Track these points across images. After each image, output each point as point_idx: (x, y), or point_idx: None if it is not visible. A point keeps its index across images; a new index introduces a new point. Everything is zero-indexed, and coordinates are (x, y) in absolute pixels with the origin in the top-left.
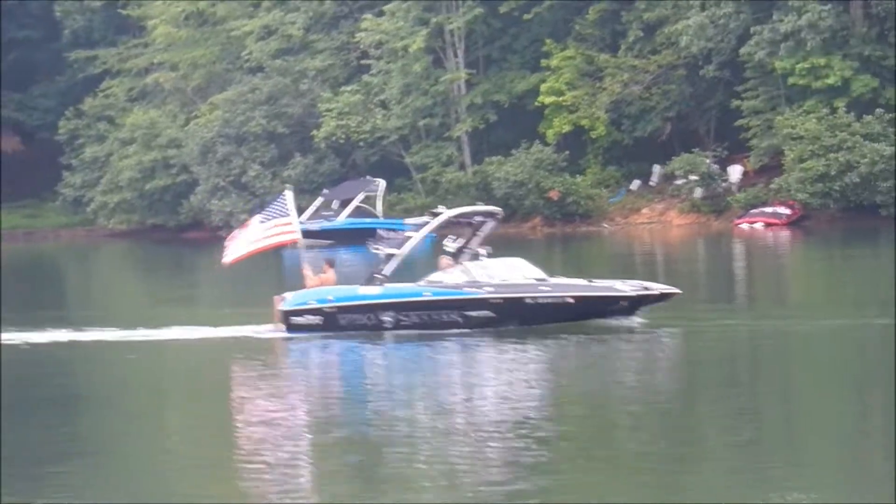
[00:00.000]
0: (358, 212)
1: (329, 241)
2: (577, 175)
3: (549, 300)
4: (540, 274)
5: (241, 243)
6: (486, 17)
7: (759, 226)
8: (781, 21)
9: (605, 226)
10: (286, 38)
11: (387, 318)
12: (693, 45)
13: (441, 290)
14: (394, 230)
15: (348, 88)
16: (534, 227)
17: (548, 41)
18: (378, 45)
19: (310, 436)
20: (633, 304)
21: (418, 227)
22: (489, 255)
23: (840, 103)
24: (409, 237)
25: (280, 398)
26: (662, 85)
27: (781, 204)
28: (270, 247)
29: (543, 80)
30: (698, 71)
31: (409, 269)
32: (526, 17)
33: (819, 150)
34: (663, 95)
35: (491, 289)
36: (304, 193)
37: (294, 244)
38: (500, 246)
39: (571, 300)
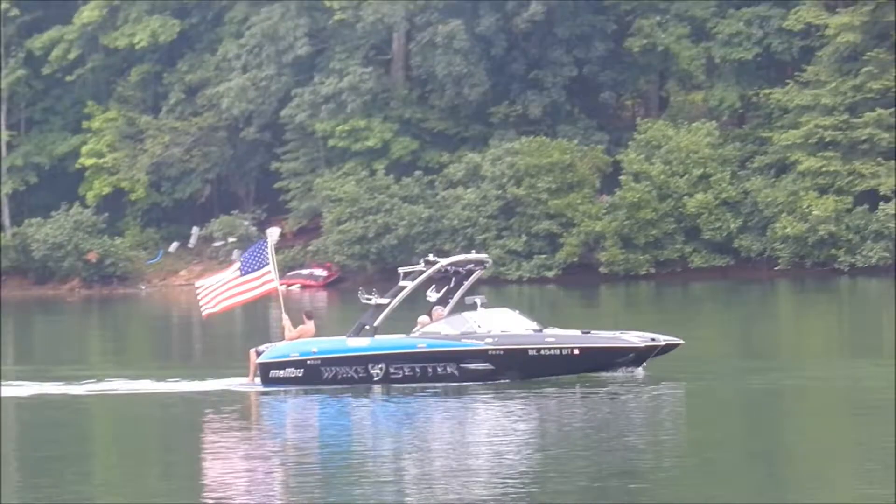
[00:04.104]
0: None
1: None
2: (117, 237)
3: (555, 352)
4: (534, 325)
5: (220, 294)
6: (29, 78)
7: (296, 287)
8: (323, 83)
9: (143, 287)
10: None
11: (376, 370)
12: (234, 106)
13: (437, 341)
14: None
15: None
16: (72, 288)
17: (90, 103)
18: None
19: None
20: (639, 356)
21: (414, 275)
22: (483, 305)
23: (379, 165)
24: (403, 287)
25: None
26: (203, 147)
27: (319, 266)
28: (253, 299)
29: (85, 142)
30: (239, 133)
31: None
32: (69, 78)
33: (357, 212)
34: (204, 157)
35: (491, 340)
36: None
37: (273, 294)
38: (44, 307)
39: (578, 352)
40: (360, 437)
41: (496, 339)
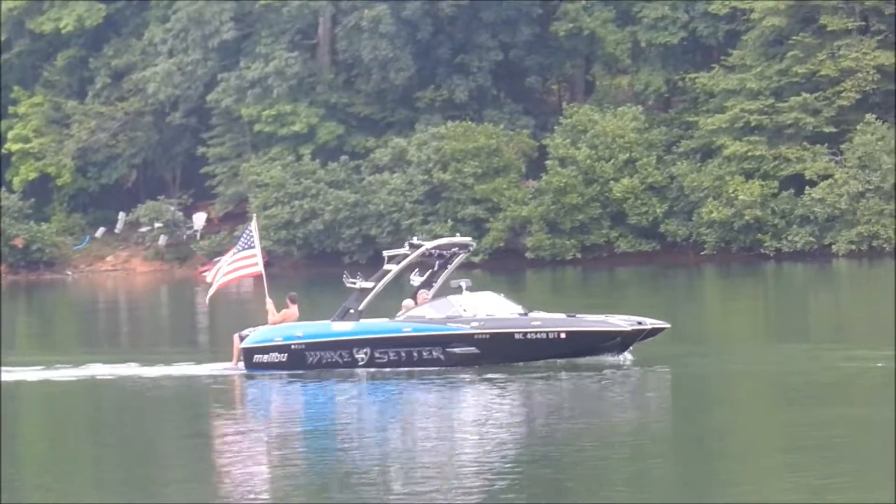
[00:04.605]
0: None
1: None
2: (43, 222)
3: (541, 335)
4: (519, 308)
5: (214, 278)
6: None
7: None
8: (249, 68)
9: (69, 273)
10: None
11: (361, 355)
12: (160, 91)
13: (423, 325)
14: None
15: None
16: None
17: (16, 88)
18: None
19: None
20: (626, 340)
21: (398, 259)
22: (468, 289)
23: (306, 150)
24: (387, 271)
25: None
26: (129, 132)
27: None
28: (235, 280)
29: (11, 127)
30: (165, 117)
31: None
32: None
33: (284, 197)
34: (130, 142)
35: (477, 324)
36: None
37: (257, 277)
38: None
39: (564, 335)
40: (342, 422)
41: (482, 323)
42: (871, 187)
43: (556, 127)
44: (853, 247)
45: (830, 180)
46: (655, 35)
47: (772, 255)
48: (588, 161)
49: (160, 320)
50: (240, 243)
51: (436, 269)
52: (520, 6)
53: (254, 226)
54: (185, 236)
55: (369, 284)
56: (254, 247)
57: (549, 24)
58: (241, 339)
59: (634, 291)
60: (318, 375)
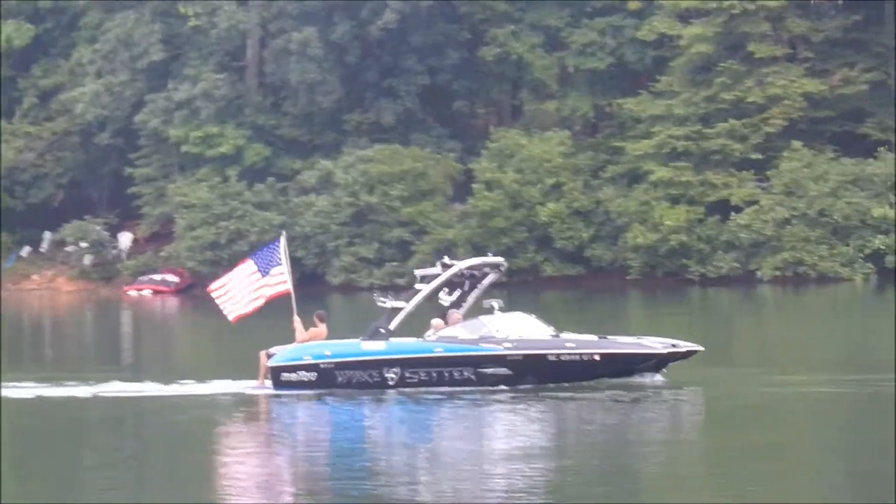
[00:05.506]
0: None
1: None
2: None
3: (574, 357)
4: (552, 329)
5: (240, 297)
6: None
7: (147, 293)
8: (176, 90)
9: None
10: None
11: (391, 374)
12: (88, 112)
13: (454, 345)
14: None
15: None
16: None
17: None
18: None
19: None
20: (660, 363)
21: (430, 278)
22: (500, 309)
23: (233, 172)
24: (419, 290)
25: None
26: (56, 152)
27: (171, 271)
28: (268, 300)
29: None
30: (93, 138)
31: None
32: None
33: (210, 218)
34: (57, 162)
35: (510, 345)
36: None
37: (286, 295)
38: None
39: (598, 357)
40: (371, 442)
41: (514, 344)
42: (796, 214)
43: (482, 151)
44: (778, 273)
45: (756, 206)
46: (583, 60)
47: (697, 280)
48: (514, 185)
49: (82, 336)
50: (258, 261)
51: (466, 288)
52: (448, 31)
53: (283, 243)
54: (110, 256)
55: (400, 304)
56: (281, 264)
57: (478, 48)
58: (269, 357)
59: (560, 316)
60: (347, 395)
